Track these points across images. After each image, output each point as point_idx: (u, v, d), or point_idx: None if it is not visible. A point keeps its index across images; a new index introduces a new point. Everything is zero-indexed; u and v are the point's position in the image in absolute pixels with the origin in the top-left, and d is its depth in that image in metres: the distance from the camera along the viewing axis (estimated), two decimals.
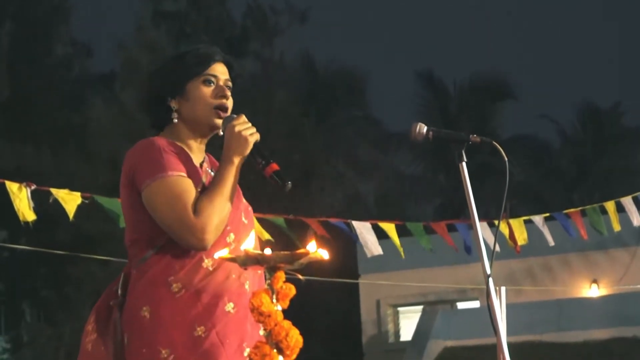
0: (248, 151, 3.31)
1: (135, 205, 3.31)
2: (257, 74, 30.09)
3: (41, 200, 6.59)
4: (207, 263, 3.25)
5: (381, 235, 8.41)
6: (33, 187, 6.43)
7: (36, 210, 6.54)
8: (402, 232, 8.62)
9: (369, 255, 8.28)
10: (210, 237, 3.20)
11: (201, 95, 3.41)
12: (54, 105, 29.91)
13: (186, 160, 3.35)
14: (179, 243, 3.23)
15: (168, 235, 3.26)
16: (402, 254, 8.61)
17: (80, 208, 6.72)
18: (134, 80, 25.56)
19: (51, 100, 30.01)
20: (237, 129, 3.31)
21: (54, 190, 6.57)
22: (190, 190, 3.25)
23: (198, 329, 3.23)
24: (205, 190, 3.27)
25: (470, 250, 8.85)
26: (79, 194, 6.67)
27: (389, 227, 8.26)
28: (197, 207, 3.21)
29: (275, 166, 3.33)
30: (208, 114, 3.41)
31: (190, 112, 3.42)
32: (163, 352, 3.21)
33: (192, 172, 3.34)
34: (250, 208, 3.50)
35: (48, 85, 30.41)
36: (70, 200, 6.63)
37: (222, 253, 2.91)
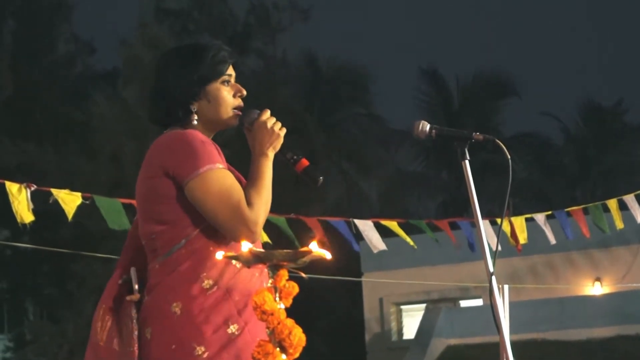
0: (280, 145, 3.38)
1: (167, 197, 3.29)
2: (259, 71, 30.09)
3: (43, 199, 6.59)
4: (235, 261, 3.25)
5: (384, 233, 8.42)
6: (33, 188, 6.43)
7: (38, 208, 6.54)
8: (405, 229, 8.64)
9: (374, 251, 8.32)
10: (260, 229, 3.25)
11: (222, 96, 3.44)
12: (56, 102, 29.93)
13: (220, 155, 3.37)
14: (228, 235, 3.24)
15: (200, 227, 3.27)
16: (414, 245, 8.62)
17: (83, 205, 6.73)
18: (137, 77, 25.55)
19: (54, 97, 30.03)
20: (268, 124, 3.37)
21: (54, 191, 6.57)
22: (237, 183, 3.29)
23: (232, 326, 3.23)
24: (250, 185, 3.31)
25: (474, 247, 8.86)
26: (79, 194, 6.67)
27: (392, 225, 8.29)
28: (249, 201, 3.24)
29: (305, 161, 3.36)
30: (228, 114, 3.45)
31: (211, 112, 3.44)
32: (197, 349, 3.20)
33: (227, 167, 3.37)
34: None
35: (50, 82, 30.43)
36: (70, 200, 6.63)
37: (222, 253, 2.90)
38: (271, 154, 3.37)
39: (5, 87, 29.21)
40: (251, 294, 3.24)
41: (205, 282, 3.25)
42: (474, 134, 3.61)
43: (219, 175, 3.25)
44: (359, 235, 8.17)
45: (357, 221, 8.11)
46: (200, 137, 3.32)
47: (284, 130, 3.39)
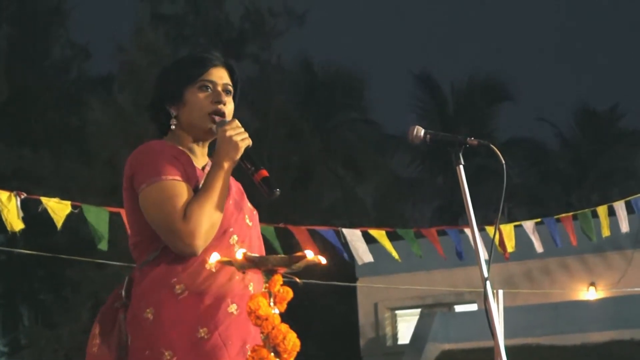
0: (239, 156, 3.30)
1: (136, 209, 3.32)
2: (255, 77, 30.09)
3: (35, 206, 6.62)
4: (211, 264, 3.24)
5: (375, 239, 8.45)
6: (23, 196, 6.45)
7: (33, 214, 6.56)
8: (397, 236, 8.68)
9: (359, 262, 8.35)
10: (200, 242, 3.20)
11: (197, 101, 3.42)
12: (51, 107, 29.90)
13: (187, 163, 3.35)
14: (170, 247, 3.24)
15: None
16: (398, 258, 8.65)
17: (79, 209, 6.75)
18: (132, 82, 25.55)
19: (49, 102, 30.00)
20: (228, 133, 3.31)
21: (44, 199, 6.60)
22: (182, 194, 3.24)
23: (201, 330, 3.23)
24: (196, 195, 3.26)
25: (461, 256, 8.89)
26: (69, 202, 6.69)
27: (381, 235, 8.32)
28: (186, 212, 3.20)
29: (264, 173, 3.32)
30: (203, 120, 3.41)
31: (187, 117, 3.43)
32: (166, 353, 3.21)
33: (192, 175, 3.34)
34: (255, 212, 3.50)
35: (46, 87, 30.40)
36: (59, 209, 6.64)
37: (217, 257, 2.91)
38: (227, 164, 3.29)
39: (0, 93, 29.18)
40: (226, 297, 3.26)
41: (177, 287, 3.25)
42: (468, 138, 3.62)
43: (163, 187, 3.24)
44: (347, 245, 8.19)
45: (345, 231, 8.12)
46: (159, 148, 3.33)
47: (247, 142, 3.32)
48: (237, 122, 3.36)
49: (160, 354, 3.21)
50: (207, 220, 3.21)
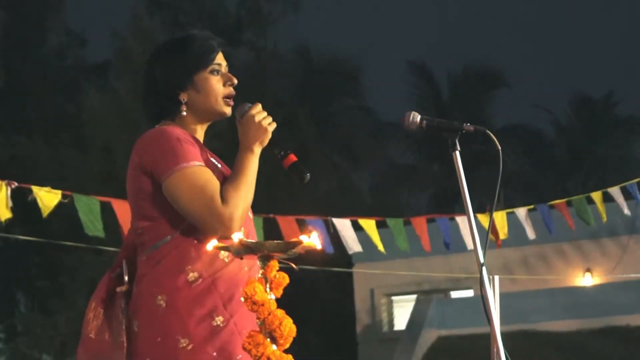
0: (267, 141, 3.36)
1: (150, 194, 3.31)
2: (251, 64, 30.04)
3: (28, 193, 6.64)
4: (224, 254, 3.26)
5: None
6: (14, 186, 6.47)
7: (30, 199, 6.56)
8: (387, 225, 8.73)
9: (349, 252, 8.40)
10: (237, 224, 3.23)
11: (211, 85, 3.44)
12: (47, 94, 29.83)
13: (201, 150, 3.37)
14: (204, 231, 3.24)
15: (185, 224, 3.28)
16: (383, 250, 8.70)
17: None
18: (128, 69, 25.48)
19: (45, 89, 29.94)
20: (257, 118, 3.35)
21: (35, 188, 6.61)
22: (213, 179, 3.27)
23: (217, 318, 3.24)
24: (229, 179, 3.30)
25: (449, 247, 8.93)
26: (59, 192, 6.70)
27: (370, 225, 8.36)
28: (223, 196, 3.22)
29: (293, 157, 3.37)
30: (220, 104, 3.45)
31: (201, 102, 3.44)
32: (182, 341, 3.21)
33: (207, 162, 3.36)
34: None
35: (42, 74, 30.33)
36: (48, 199, 6.66)
37: (214, 242, 2.91)
38: (257, 149, 3.35)
39: None
40: (238, 286, 3.26)
41: (190, 274, 3.26)
42: (464, 125, 3.62)
43: (192, 172, 3.25)
44: (336, 235, 8.23)
45: (335, 221, 8.16)
46: (177, 134, 3.33)
47: (274, 125, 3.38)
48: (260, 107, 3.40)
49: (176, 341, 3.21)
50: (243, 203, 3.26)
